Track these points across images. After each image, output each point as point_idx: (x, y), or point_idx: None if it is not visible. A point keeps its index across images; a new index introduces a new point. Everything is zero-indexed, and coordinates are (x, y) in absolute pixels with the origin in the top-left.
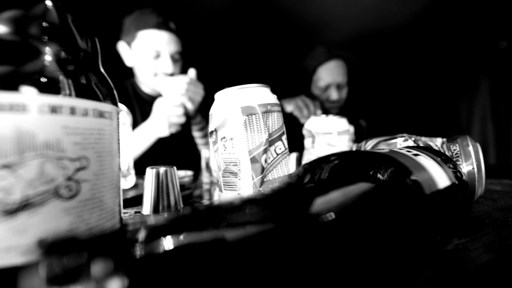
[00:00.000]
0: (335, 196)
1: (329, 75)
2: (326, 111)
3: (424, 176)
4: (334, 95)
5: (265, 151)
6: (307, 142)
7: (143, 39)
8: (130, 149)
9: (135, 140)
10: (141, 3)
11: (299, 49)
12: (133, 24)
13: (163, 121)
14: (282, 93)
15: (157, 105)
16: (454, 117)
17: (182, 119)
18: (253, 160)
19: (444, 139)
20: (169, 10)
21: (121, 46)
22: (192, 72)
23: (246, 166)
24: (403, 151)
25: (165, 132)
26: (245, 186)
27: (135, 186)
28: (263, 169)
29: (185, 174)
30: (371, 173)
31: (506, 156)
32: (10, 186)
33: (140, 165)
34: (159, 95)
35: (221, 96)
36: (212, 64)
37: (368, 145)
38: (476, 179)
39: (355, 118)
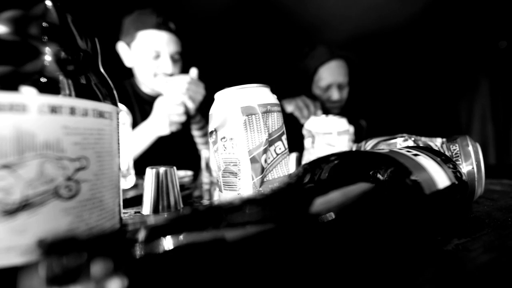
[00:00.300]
0: (335, 196)
1: (330, 75)
2: (327, 111)
3: (424, 176)
4: (335, 95)
5: (265, 151)
6: (307, 142)
7: (143, 39)
8: (130, 149)
9: (135, 139)
10: (141, 3)
11: (300, 49)
12: (133, 25)
13: (163, 119)
14: (282, 93)
15: (158, 104)
16: (454, 117)
17: (183, 118)
18: (253, 160)
19: (444, 139)
20: (168, 10)
21: (121, 47)
22: (193, 72)
23: (246, 166)
24: (403, 151)
25: (165, 130)
26: (245, 186)
27: (135, 186)
28: (263, 169)
29: (185, 174)
30: (371, 173)
31: (506, 156)
32: (10, 186)
33: (140, 165)
34: (159, 95)
35: (221, 96)
36: (212, 64)
37: (368, 145)
38: (476, 179)
39: (356, 118)
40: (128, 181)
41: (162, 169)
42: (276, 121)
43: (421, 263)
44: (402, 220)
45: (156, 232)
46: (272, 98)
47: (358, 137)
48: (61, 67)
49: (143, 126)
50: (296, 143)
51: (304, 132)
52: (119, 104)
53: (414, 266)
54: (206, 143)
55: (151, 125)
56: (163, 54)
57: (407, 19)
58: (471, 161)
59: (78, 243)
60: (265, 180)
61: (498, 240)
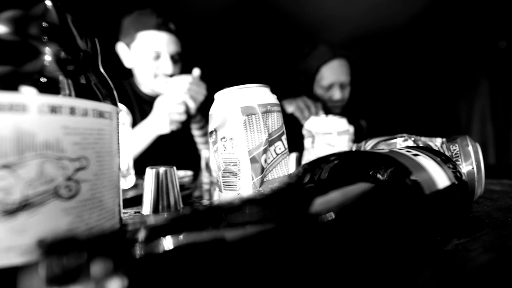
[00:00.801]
0: (335, 196)
1: (332, 74)
2: (328, 111)
3: (423, 176)
4: (337, 94)
5: (265, 151)
6: (307, 142)
7: (143, 40)
8: (130, 149)
9: (135, 137)
10: (141, 4)
11: (300, 50)
12: (133, 25)
13: (164, 117)
14: (283, 93)
15: (158, 102)
16: (454, 117)
17: (183, 117)
18: (253, 160)
19: (444, 139)
20: (168, 10)
21: (120, 47)
22: (196, 72)
23: (246, 166)
24: (403, 151)
25: (165, 129)
26: (244, 186)
27: (135, 186)
28: (262, 169)
29: (185, 174)
30: (371, 173)
31: (505, 156)
32: (9, 186)
33: (140, 165)
34: (158, 95)
35: (221, 96)
36: (212, 65)
37: (368, 145)
38: (476, 179)
39: (356, 118)
40: (128, 181)
41: (162, 169)
42: (276, 121)
43: (421, 263)
44: (402, 220)
45: (156, 232)
46: (272, 98)
47: (358, 137)
48: (61, 67)
49: (144, 124)
50: (296, 143)
51: (304, 132)
52: (119, 104)
53: (414, 266)
54: (206, 143)
55: (152, 123)
56: (163, 54)
57: (407, 19)
58: (471, 161)
59: (78, 243)
60: (265, 180)
61: (498, 240)
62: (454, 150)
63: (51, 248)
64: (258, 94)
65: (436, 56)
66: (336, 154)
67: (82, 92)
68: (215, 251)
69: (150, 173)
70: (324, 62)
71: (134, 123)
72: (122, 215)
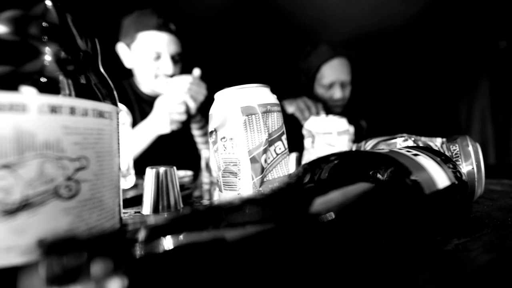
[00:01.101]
0: (335, 196)
1: (333, 73)
2: (329, 110)
3: (423, 176)
4: (338, 93)
5: (265, 151)
6: (307, 142)
7: (143, 40)
8: (130, 149)
9: (136, 137)
10: (141, 4)
11: (300, 50)
12: (133, 26)
13: (164, 117)
14: (283, 94)
15: (159, 102)
16: (454, 117)
17: (183, 117)
18: (253, 160)
19: (444, 139)
20: (169, 11)
21: (120, 48)
22: (196, 72)
23: (246, 166)
24: (403, 151)
25: (166, 129)
26: (245, 186)
27: (135, 186)
28: (263, 169)
29: (185, 174)
30: (371, 173)
31: (505, 156)
32: (10, 186)
33: (140, 165)
34: (158, 95)
35: (221, 96)
36: (213, 65)
37: (368, 145)
38: (476, 179)
39: (356, 118)
40: (128, 181)
41: (162, 169)
42: (276, 121)
43: (421, 263)
44: (402, 220)
45: (156, 232)
46: (272, 98)
47: (358, 137)
48: (61, 67)
49: (144, 124)
50: (296, 143)
51: (304, 132)
52: (119, 104)
53: (414, 266)
54: (206, 143)
55: (152, 123)
56: (163, 55)
57: (407, 19)
58: (471, 161)
59: (78, 243)
60: (265, 180)
61: (498, 240)
62: (454, 150)
63: (51, 248)
64: (258, 94)
65: (436, 56)
66: (336, 154)
67: (82, 92)
68: (215, 251)
69: (150, 173)
70: (325, 60)
71: (134, 123)
72: (122, 215)
